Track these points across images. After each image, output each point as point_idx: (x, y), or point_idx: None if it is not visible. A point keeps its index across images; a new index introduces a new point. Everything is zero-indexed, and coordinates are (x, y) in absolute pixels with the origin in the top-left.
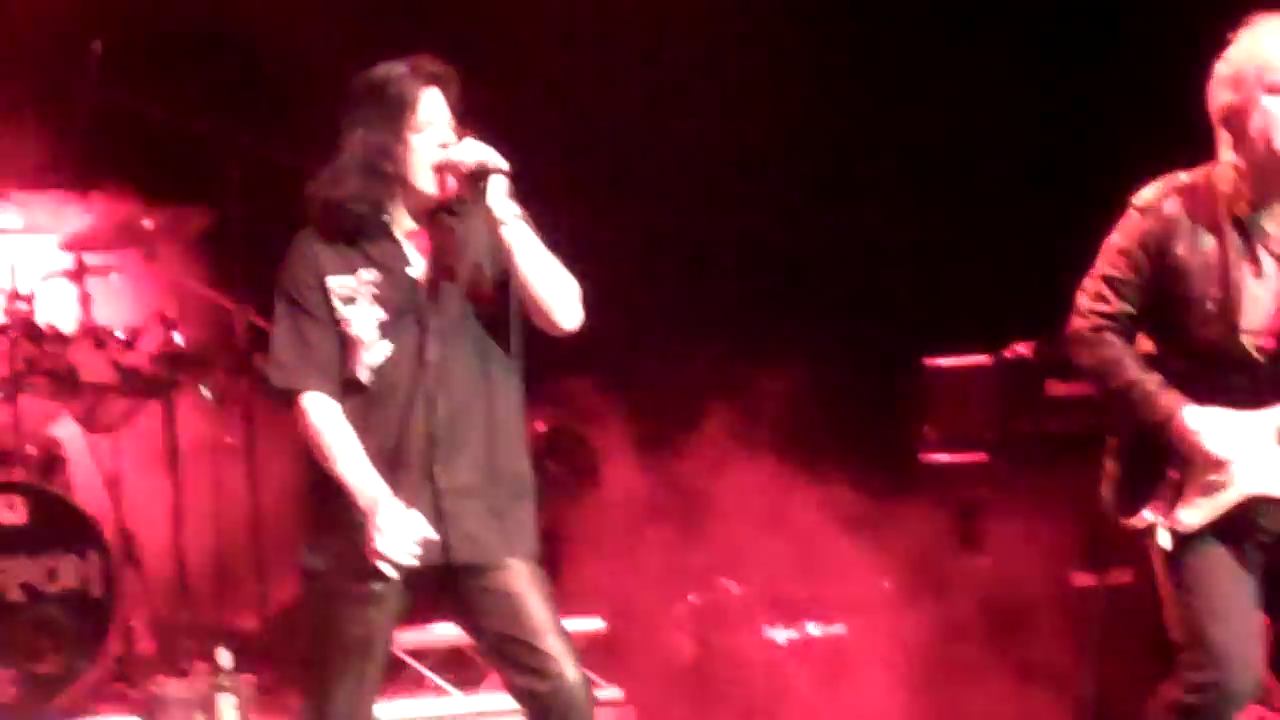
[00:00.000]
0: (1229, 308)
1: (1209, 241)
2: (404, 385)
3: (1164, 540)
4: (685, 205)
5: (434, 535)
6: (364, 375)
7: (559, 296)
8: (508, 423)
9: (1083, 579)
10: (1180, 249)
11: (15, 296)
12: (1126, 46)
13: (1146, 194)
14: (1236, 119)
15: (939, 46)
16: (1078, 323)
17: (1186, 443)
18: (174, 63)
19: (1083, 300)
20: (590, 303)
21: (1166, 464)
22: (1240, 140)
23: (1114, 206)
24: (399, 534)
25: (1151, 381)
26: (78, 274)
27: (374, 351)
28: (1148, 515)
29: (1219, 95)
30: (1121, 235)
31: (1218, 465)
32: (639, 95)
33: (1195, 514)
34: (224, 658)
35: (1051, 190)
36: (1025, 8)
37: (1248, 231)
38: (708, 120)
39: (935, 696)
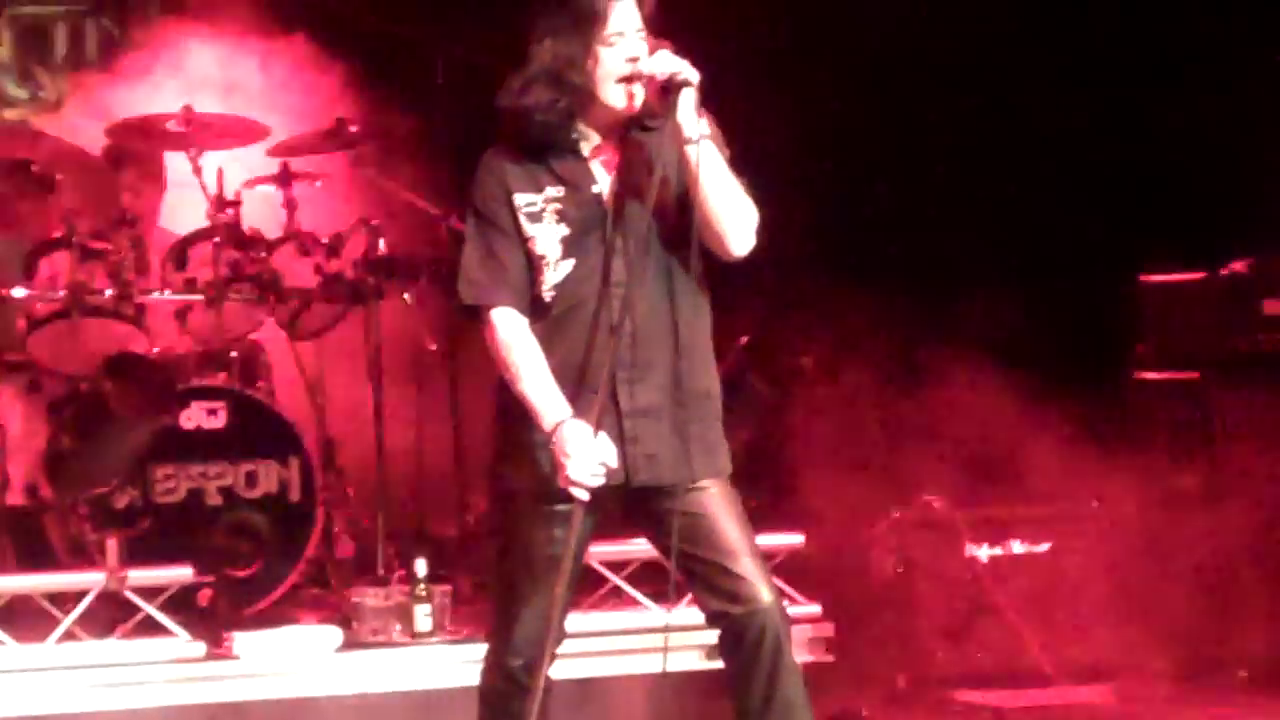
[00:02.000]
0: None
1: None
2: (588, 304)
3: None
4: (893, 110)
5: (615, 459)
6: (548, 294)
7: (735, 221)
8: (694, 342)
9: None
10: None
11: (221, 202)
12: None
13: None
14: None
15: None
16: None
17: None
18: None
19: None
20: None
21: None
22: None
23: None
24: (583, 457)
25: None
26: (283, 179)
27: (558, 270)
28: None
29: None
30: None
31: None
32: None
33: None
34: (420, 566)
35: (1272, 104)
36: None
37: None
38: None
39: (1139, 618)
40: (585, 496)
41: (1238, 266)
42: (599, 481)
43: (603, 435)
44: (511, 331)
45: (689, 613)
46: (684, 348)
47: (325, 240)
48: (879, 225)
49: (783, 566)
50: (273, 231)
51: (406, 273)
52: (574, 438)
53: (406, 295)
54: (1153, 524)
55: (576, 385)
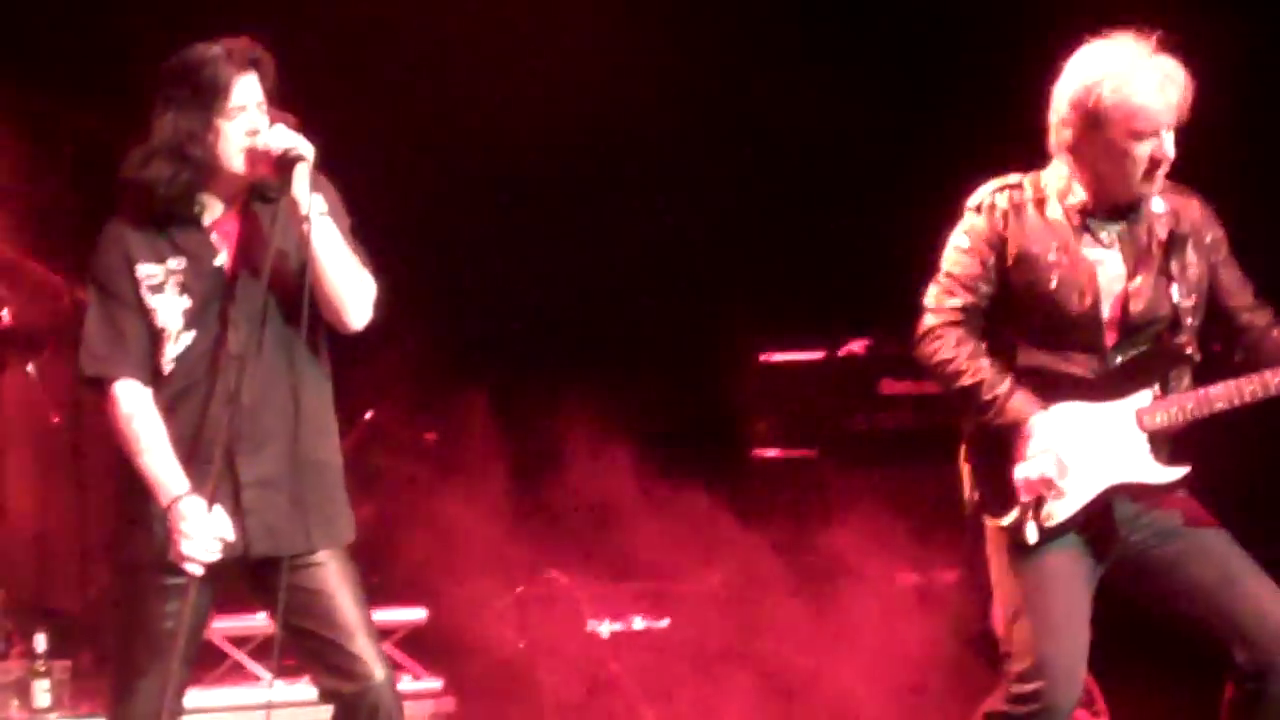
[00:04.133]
0: (1084, 289)
1: (1049, 233)
2: (207, 376)
3: (1031, 535)
4: (517, 205)
5: (233, 533)
6: (169, 366)
7: (351, 295)
8: (314, 413)
9: (908, 577)
10: (1023, 241)
11: None
12: (957, 56)
13: (980, 194)
14: (1091, 152)
15: (771, 51)
16: (928, 320)
17: (1033, 449)
18: (8, 38)
19: (931, 299)
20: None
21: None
22: (1089, 169)
23: (946, 208)
24: (197, 533)
25: (1002, 383)
26: None
27: (179, 342)
28: (1016, 513)
29: (1069, 124)
30: (962, 234)
31: (1064, 470)
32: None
33: (1062, 507)
34: (40, 641)
35: (886, 191)
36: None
37: (1085, 225)
38: (544, 119)
39: (756, 694)
40: (199, 571)
41: (855, 347)
42: (213, 557)
43: (218, 509)
44: (132, 404)
45: (310, 688)
46: (303, 419)
47: None
48: (504, 302)
49: (405, 641)
50: None
51: (29, 343)
52: (189, 513)
53: (30, 366)
54: (768, 600)
55: (195, 457)
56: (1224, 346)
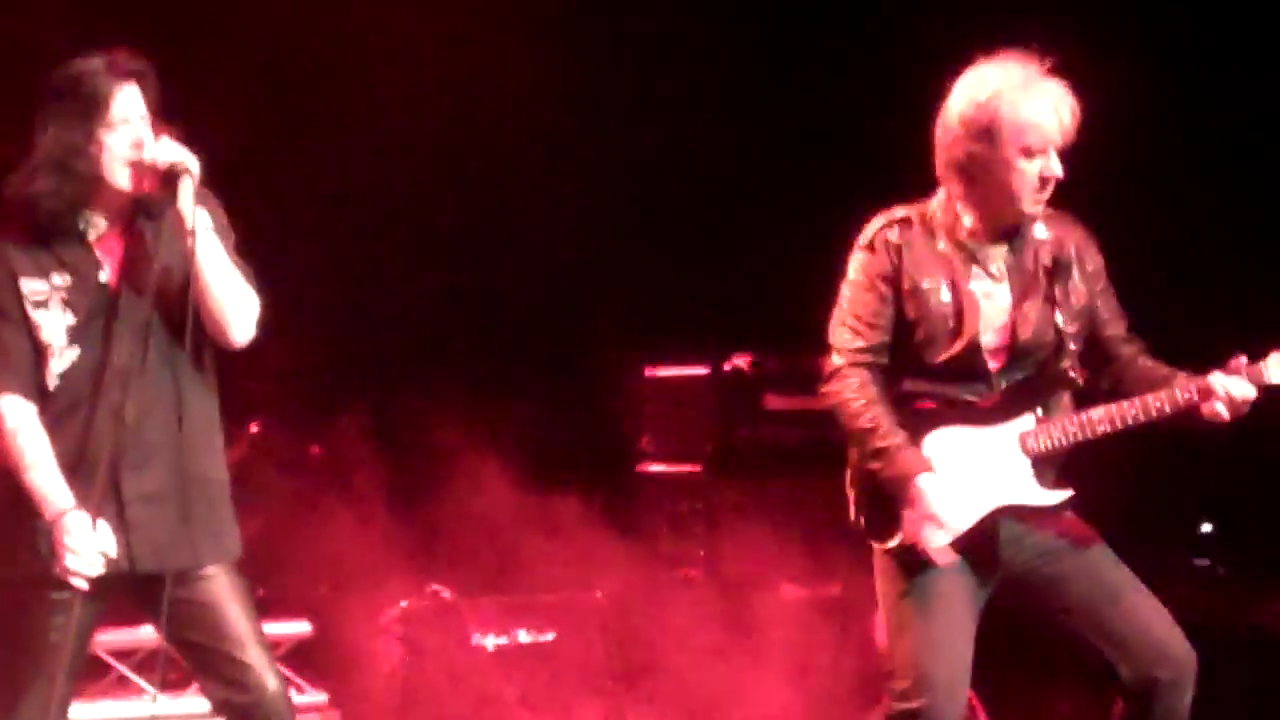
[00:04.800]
0: (966, 322)
1: (938, 265)
2: (92, 392)
3: (935, 542)
4: (402, 220)
5: (116, 549)
6: (54, 382)
7: (235, 310)
8: (200, 429)
9: (793, 590)
10: (913, 273)
11: None
12: (843, 75)
13: (869, 231)
14: (981, 169)
15: (658, 65)
16: (835, 359)
17: (916, 504)
18: None
19: (836, 339)
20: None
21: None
22: (977, 188)
23: (830, 227)
24: (81, 548)
25: (896, 435)
26: None
27: (64, 358)
28: (896, 539)
29: (959, 141)
30: (857, 272)
31: (936, 523)
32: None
33: (945, 533)
34: None
35: (770, 207)
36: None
37: (972, 255)
38: (420, 133)
39: (640, 708)
40: (84, 586)
41: (739, 362)
42: (97, 571)
43: (103, 524)
44: (17, 420)
45: (199, 700)
46: (188, 434)
47: None
48: (392, 315)
49: (291, 655)
50: None
51: None
52: (74, 528)
53: None
54: (653, 614)
55: (79, 472)
56: (1092, 373)
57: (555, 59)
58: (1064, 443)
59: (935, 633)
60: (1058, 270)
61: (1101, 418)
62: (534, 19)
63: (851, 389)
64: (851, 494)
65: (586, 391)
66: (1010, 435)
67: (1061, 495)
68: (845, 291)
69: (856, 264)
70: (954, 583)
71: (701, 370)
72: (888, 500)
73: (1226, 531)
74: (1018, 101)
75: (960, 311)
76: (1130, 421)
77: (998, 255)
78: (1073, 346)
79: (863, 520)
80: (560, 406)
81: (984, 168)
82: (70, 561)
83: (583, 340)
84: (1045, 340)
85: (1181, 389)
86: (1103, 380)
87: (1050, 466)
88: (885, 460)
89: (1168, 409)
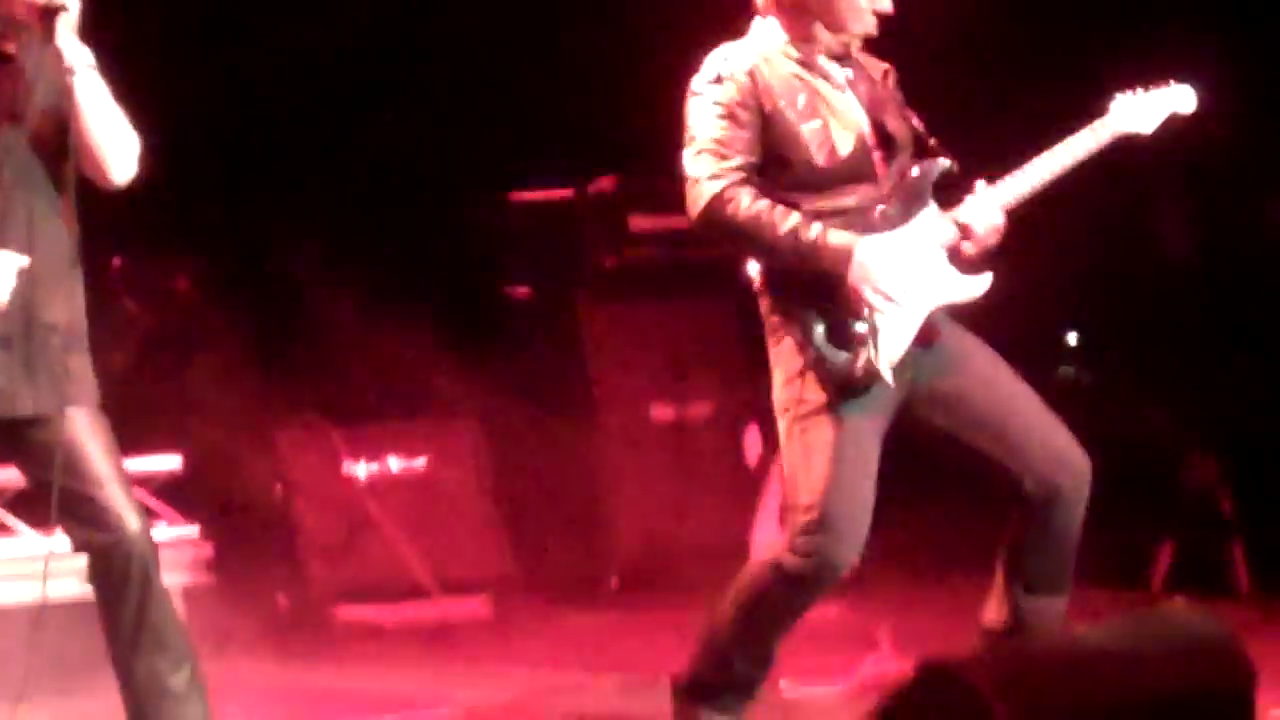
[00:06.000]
0: (844, 123)
1: (789, 83)
2: None
3: (860, 374)
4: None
5: None
6: None
7: (117, 150)
8: (55, 272)
9: (662, 410)
10: (773, 95)
11: None
12: None
13: (711, 67)
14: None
15: None
16: (709, 187)
17: (867, 281)
18: None
19: (701, 168)
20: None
21: (849, 311)
22: (812, 10)
23: (691, 44)
24: None
25: (811, 227)
26: None
27: None
28: (843, 355)
29: None
30: (712, 104)
31: (902, 292)
32: None
33: (895, 343)
34: None
35: (626, 29)
36: None
37: (815, 71)
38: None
39: (513, 532)
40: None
41: (604, 184)
42: (7, 292)
43: (4, 252)
44: None
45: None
46: (42, 278)
47: None
48: (265, 152)
49: (161, 488)
50: None
51: None
52: None
53: None
54: (524, 437)
55: None
56: None
57: None
58: (983, 225)
59: (843, 472)
60: (893, 83)
61: (1047, 162)
62: None
63: (747, 204)
64: (773, 319)
65: (451, 220)
66: (918, 233)
67: (986, 280)
68: (697, 126)
69: (709, 97)
70: (862, 420)
71: (566, 193)
72: (822, 312)
73: (1092, 341)
74: None
75: (834, 118)
76: (1059, 167)
77: (836, 72)
78: (931, 141)
79: (795, 337)
80: (430, 234)
81: None
82: None
83: (448, 164)
84: (909, 137)
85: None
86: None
87: (964, 258)
88: (814, 250)
89: (1094, 146)
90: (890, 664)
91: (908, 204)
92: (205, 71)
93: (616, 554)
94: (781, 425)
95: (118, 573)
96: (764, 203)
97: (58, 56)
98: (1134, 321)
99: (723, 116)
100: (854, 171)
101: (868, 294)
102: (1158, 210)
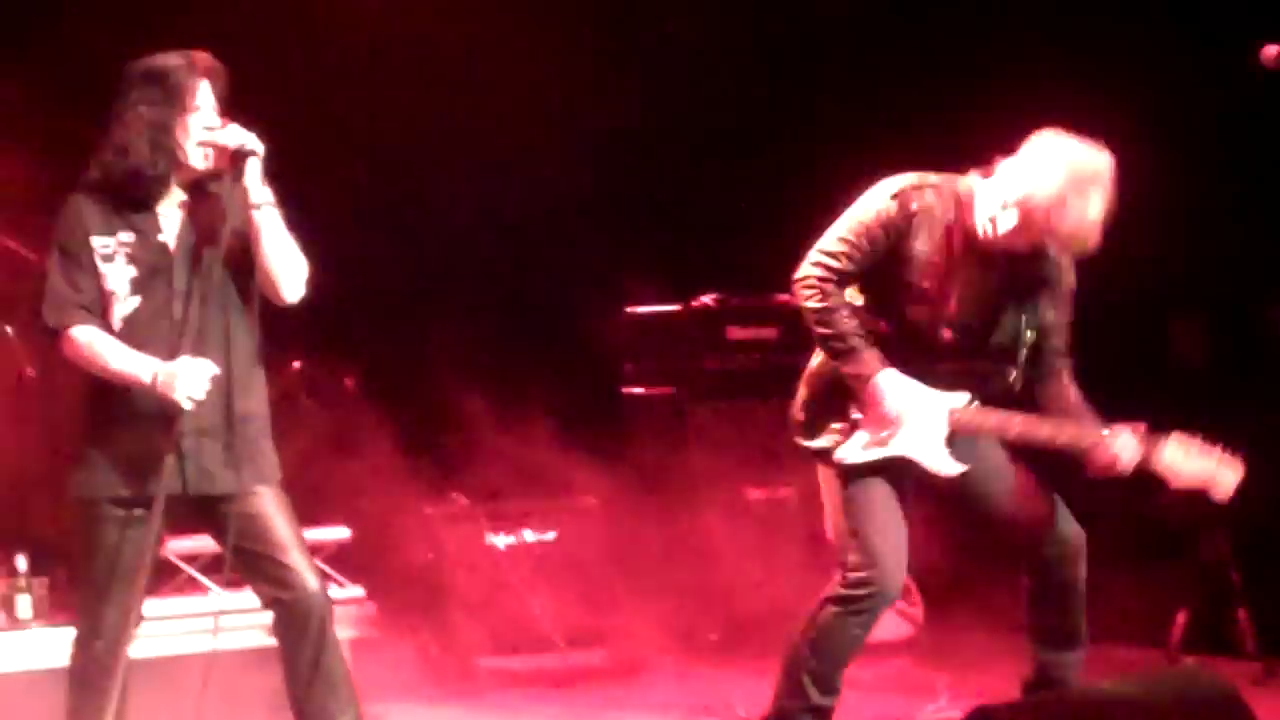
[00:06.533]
0: (938, 300)
1: (946, 249)
2: (150, 337)
3: (848, 454)
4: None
5: (172, 476)
6: (117, 324)
7: (289, 275)
8: (245, 371)
9: (755, 492)
10: (916, 242)
11: None
12: (821, 41)
13: (902, 182)
14: (1040, 213)
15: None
16: (809, 269)
17: (874, 399)
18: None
19: (819, 251)
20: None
21: (849, 404)
22: (1028, 225)
23: (786, 187)
24: (186, 379)
25: (861, 339)
26: None
27: (126, 304)
28: (824, 441)
29: (1035, 188)
30: (867, 210)
31: (889, 423)
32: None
33: (859, 453)
34: (21, 562)
35: (735, 167)
36: None
37: (978, 258)
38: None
39: (628, 594)
40: (189, 406)
41: (706, 300)
42: (203, 392)
43: (200, 360)
44: (89, 335)
45: (250, 598)
46: (236, 377)
47: None
48: (411, 272)
49: (332, 556)
50: None
51: (8, 308)
52: (176, 370)
53: (8, 328)
54: (637, 514)
55: (145, 407)
56: (1028, 383)
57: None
58: (980, 432)
59: (879, 520)
60: (1039, 286)
61: (1018, 431)
62: None
63: (821, 298)
64: (801, 393)
65: (581, 328)
66: (942, 403)
67: (959, 468)
68: (852, 217)
69: (875, 202)
70: (886, 483)
71: (675, 307)
72: (833, 400)
73: None
74: (1083, 201)
75: (941, 286)
76: (1035, 443)
77: (995, 262)
78: (1022, 356)
79: (801, 416)
80: (559, 340)
81: (1042, 212)
82: (180, 390)
83: (573, 288)
84: (1002, 344)
85: (1088, 435)
86: (1035, 391)
87: (957, 442)
88: (851, 358)
89: (1068, 446)
90: (948, 712)
91: (949, 380)
92: (371, 218)
93: (716, 613)
94: (825, 496)
95: (298, 625)
96: (835, 301)
97: (245, 193)
98: (1156, 417)
99: (863, 225)
100: (924, 335)
101: (872, 414)
102: (1174, 321)
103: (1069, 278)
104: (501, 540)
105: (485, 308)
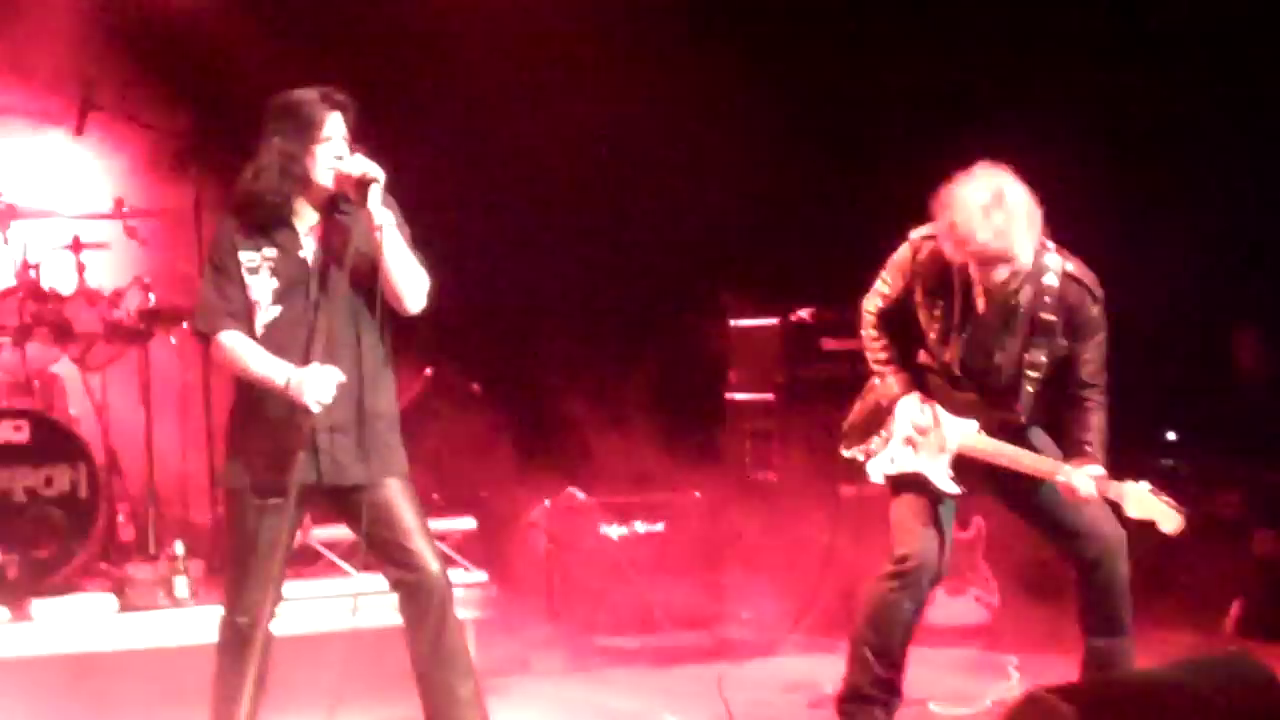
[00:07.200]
0: (943, 339)
1: (949, 288)
2: (290, 342)
3: (874, 472)
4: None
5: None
6: (260, 331)
7: (412, 288)
8: (374, 374)
9: (846, 489)
10: (927, 284)
11: (26, 265)
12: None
13: (914, 235)
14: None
15: (759, 45)
16: (864, 301)
17: (895, 419)
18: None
19: (871, 294)
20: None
21: (886, 421)
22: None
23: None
24: (316, 383)
25: (893, 367)
26: (75, 246)
27: (267, 313)
28: (856, 452)
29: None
30: (895, 260)
31: (907, 442)
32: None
33: (885, 467)
34: (179, 547)
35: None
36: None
37: (970, 287)
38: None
39: (732, 581)
40: (317, 409)
41: (803, 314)
42: (331, 396)
43: (328, 367)
44: (236, 341)
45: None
46: (367, 378)
47: (108, 294)
48: (535, 289)
49: (459, 544)
50: (67, 288)
51: (171, 320)
52: (306, 376)
53: (172, 338)
54: (738, 508)
55: (283, 407)
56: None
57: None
58: (980, 457)
59: (914, 511)
60: (1047, 320)
61: (1008, 459)
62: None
63: (868, 327)
64: (853, 408)
65: (687, 342)
66: (954, 428)
67: (955, 489)
68: (886, 268)
69: (899, 255)
70: (919, 489)
71: (774, 321)
72: (870, 419)
73: (1186, 439)
74: (968, 215)
75: (945, 327)
76: (1020, 470)
77: (990, 302)
78: (1029, 389)
79: (845, 429)
80: (670, 350)
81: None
82: (308, 394)
83: (685, 303)
84: (1008, 373)
85: (1054, 469)
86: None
87: (962, 467)
88: (883, 383)
89: (1042, 476)
90: (1015, 692)
91: (963, 407)
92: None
93: (806, 597)
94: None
95: (421, 604)
96: (878, 332)
97: (369, 216)
98: (1217, 424)
99: (891, 273)
100: (942, 362)
101: (892, 430)
102: (1238, 334)
103: (1088, 311)
104: (614, 531)
105: (601, 321)
